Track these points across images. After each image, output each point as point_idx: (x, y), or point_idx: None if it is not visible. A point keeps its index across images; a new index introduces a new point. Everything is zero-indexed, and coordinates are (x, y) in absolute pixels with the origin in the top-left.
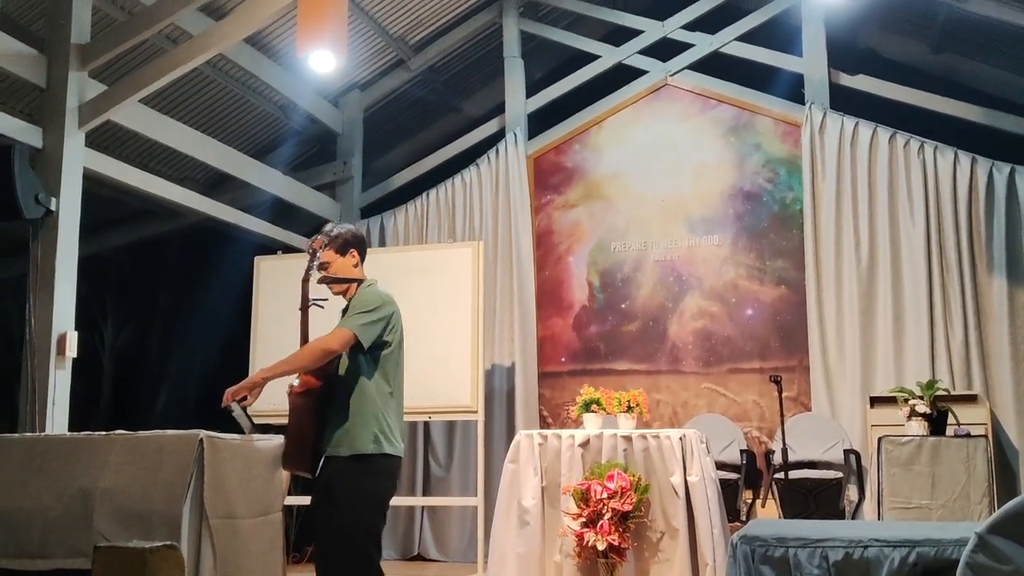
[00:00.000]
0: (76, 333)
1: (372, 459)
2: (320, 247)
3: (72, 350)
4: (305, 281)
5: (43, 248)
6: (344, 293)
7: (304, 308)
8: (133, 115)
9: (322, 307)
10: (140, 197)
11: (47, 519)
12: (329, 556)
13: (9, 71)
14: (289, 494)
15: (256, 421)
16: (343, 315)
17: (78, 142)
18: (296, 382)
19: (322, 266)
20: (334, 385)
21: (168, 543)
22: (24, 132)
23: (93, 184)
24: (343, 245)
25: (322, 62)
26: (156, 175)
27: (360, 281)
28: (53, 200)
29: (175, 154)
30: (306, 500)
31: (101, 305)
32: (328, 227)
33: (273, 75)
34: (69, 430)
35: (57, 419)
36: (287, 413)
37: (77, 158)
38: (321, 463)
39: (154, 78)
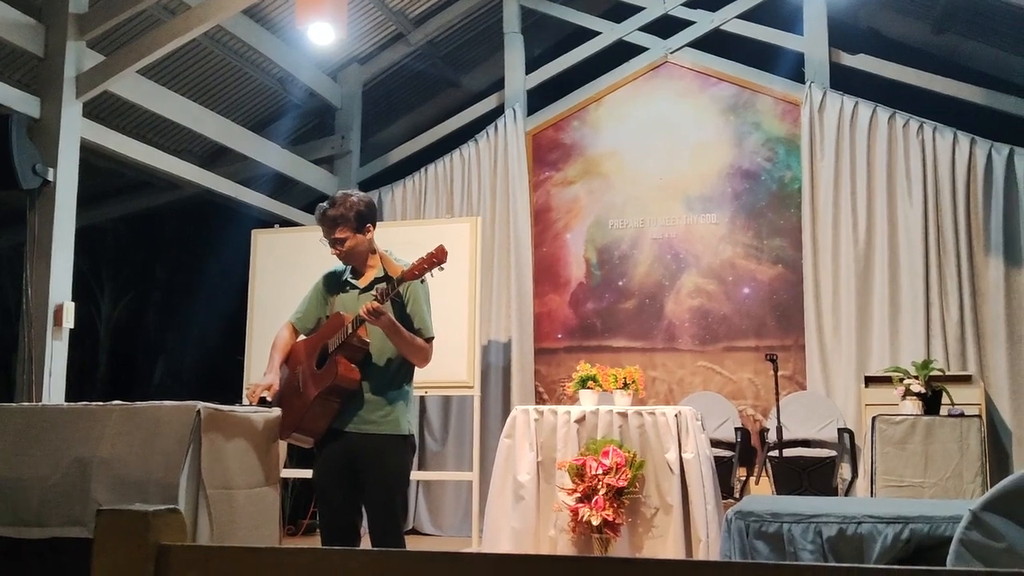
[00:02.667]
0: (73, 304)
1: (410, 438)
2: (338, 219)
3: (69, 321)
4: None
5: (40, 218)
6: (355, 260)
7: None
8: (131, 86)
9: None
10: (138, 169)
11: (44, 488)
12: (386, 526)
13: (7, 40)
14: (285, 467)
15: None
16: (391, 295)
17: (76, 112)
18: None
19: (336, 242)
20: (380, 362)
21: (170, 507)
22: (21, 102)
23: (90, 155)
24: (359, 220)
25: (321, 34)
26: (154, 147)
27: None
28: (50, 170)
29: (173, 126)
30: (303, 473)
31: (98, 276)
32: (340, 197)
33: (272, 48)
34: (66, 400)
35: (54, 389)
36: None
37: (75, 128)
38: (351, 439)
39: (152, 49)
